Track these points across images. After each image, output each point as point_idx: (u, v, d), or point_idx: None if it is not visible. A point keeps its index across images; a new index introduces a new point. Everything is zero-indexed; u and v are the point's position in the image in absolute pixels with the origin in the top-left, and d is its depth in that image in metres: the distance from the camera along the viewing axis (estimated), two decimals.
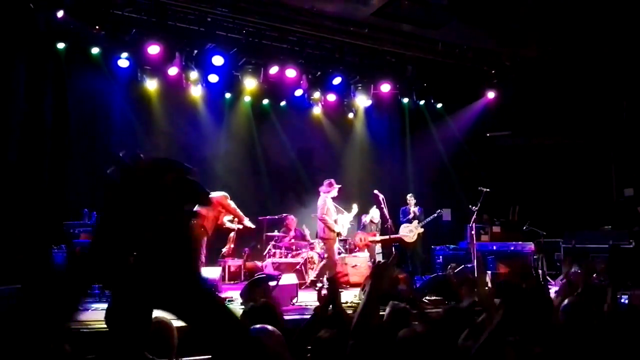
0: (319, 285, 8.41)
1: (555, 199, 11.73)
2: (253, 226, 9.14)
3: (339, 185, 9.07)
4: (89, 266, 0.88)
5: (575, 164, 12.05)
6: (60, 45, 9.11)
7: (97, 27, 8.89)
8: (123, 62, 9.57)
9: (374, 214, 10.75)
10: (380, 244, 10.79)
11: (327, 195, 8.93)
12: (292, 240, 10.25)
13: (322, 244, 9.42)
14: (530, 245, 10.15)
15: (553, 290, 4.79)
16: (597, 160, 12.27)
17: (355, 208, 9.90)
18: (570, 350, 2.35)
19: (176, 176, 0.91)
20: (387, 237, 10.02)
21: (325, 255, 9.27)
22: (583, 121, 11.61)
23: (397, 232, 10.52)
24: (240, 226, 9.08)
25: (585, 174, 12.00)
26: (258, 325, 2.44)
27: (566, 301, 2.87)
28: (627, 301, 4.22)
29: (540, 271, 9.50)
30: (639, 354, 2.45)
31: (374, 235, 10.63)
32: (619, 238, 9.68)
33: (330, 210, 8.94)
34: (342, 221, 9.23)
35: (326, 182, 9.05)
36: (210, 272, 8.21)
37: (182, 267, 0.89)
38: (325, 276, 8.86)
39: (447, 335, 2.53)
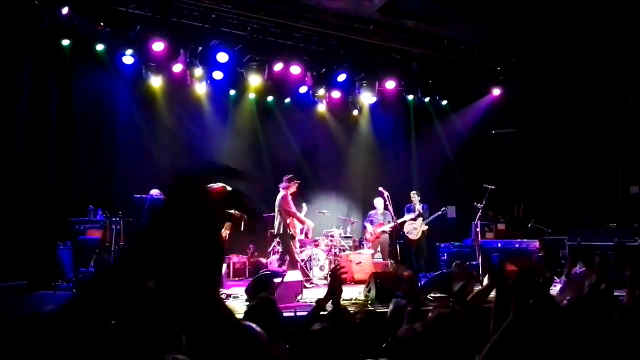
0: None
1: (560, 196, 11.68)
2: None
3: (299, 181, 8.98)
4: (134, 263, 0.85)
5: (581, 161, 12.00)
6: (65, 42, 9.12)
7: (101, 23, 8.92)
8: (128, 59, 9.57)
9: (376, 203, 10.69)
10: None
11: (287, 192, 8.79)
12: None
13: (280, 242, 9.12)
14: (535, 243, 10.12)
15: (557, 289, 4.77)
16: (603, 157, 12.20)
17: (304, 207, 9.85)
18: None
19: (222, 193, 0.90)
20: (392, 224, 10.03)
21: (287, 256, 8.92)
22: (589, 118, 11.55)
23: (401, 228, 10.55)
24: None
25: (591, 171, 11.95)
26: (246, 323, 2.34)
27: (566, 301, 2.83)
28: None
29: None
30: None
31: (382, 225, 10.56)
32: (624, 236, 9.62)
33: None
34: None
35: (286, 177, 8.92)
36: None
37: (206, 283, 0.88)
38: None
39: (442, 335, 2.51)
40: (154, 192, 8.63)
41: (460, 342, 2.43)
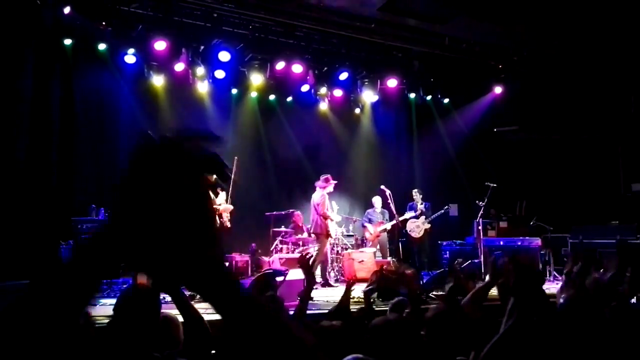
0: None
1: (562, 194, 11.67)
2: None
3: (335, 182, 9.19)
4: (100, 254, 0.82)
5: (583, 158, 11.98)
6: (67, 42, 9.11)
7: (103, 23, 8.92)
8: (130, 58, 9.59)
9: (374, 202, 10.74)
10: (387, 240, 10.77)
11: (324, 191, 9.04)
12: (299, 236, 10.25)
13: (316, 239, 9.34)
14: (537, 241, 10.12)
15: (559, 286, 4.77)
16: (605, 154, 12.19)
17: (335, 206, 9.94)
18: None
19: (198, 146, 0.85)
20: (394, 222, 10.06)
21: (316, 251, 9.02)
22: (591, 116, 11.54)
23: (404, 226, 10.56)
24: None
25: (593, 168, 11.93)
26: None
27: (562, 299, 2.84)
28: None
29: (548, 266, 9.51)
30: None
31: (382, 224, 10.58)
32: (626, 233, 9.61)
33: (329, 208, 9.14)
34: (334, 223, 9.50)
35: (323, 177, 9.16)
36: None
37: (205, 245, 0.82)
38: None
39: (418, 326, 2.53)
40: None
41: (441, 335, 2.44)
